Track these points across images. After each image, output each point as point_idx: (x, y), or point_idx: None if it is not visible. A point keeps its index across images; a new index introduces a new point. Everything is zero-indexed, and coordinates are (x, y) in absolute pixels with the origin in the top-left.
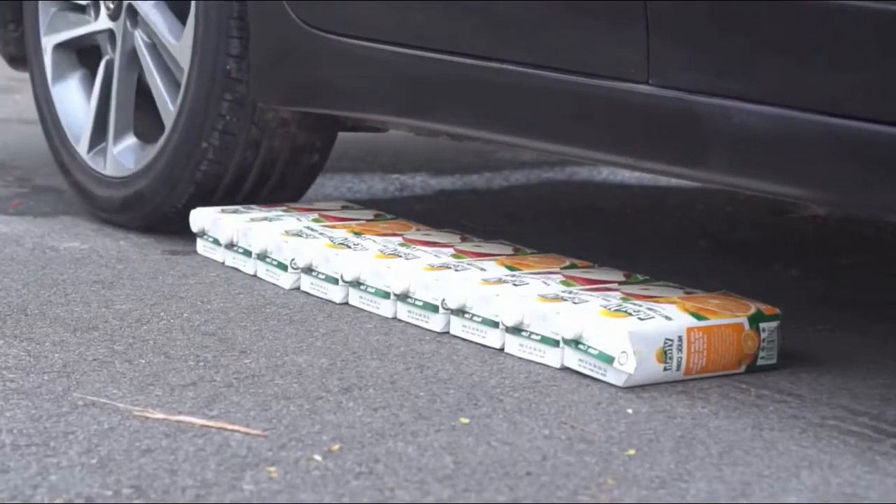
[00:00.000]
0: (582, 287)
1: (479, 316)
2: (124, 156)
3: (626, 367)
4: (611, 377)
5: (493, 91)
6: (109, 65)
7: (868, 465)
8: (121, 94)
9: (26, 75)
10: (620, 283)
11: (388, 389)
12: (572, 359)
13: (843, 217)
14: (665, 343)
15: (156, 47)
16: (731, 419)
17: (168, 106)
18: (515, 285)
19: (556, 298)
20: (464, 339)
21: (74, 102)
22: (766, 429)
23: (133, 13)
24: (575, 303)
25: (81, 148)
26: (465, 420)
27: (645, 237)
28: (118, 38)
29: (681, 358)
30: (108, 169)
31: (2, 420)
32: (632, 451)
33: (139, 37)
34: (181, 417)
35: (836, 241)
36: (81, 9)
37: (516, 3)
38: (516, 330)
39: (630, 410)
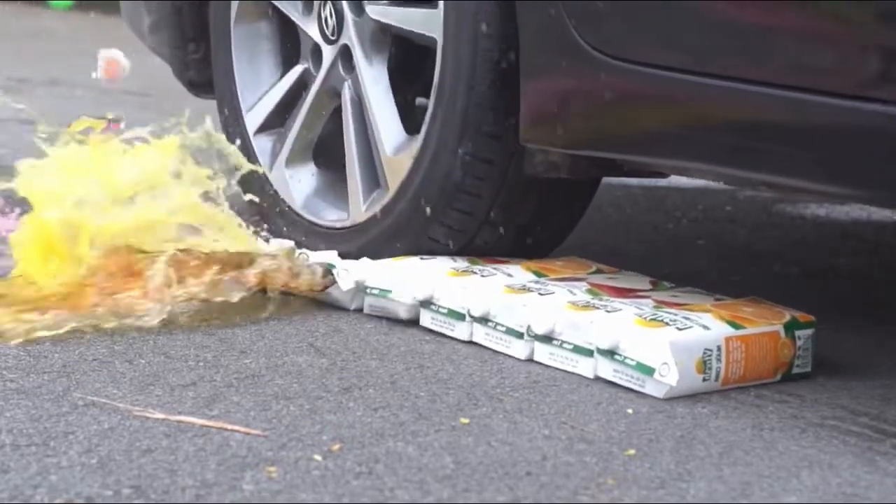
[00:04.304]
0: (610, 296)
1: (503, 325)
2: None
3: (667, 379)
4: (650, 388)
5: (866, 138)
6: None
7: (868, 465)
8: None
9: (26, 75)
10: (649, 290)
11: (388, 389)
12: (607, 369)
13: (842, 217)
14: (704, 353)
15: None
16: (731, 419)
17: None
18: (541, 294)
19: (589, 307)
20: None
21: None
22: (766, 429)
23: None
24: (608, 311)
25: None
26: (465, 420)
27: (645, 237)
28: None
29: (719, 368)
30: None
31: (2, 420)
32: (632, 451)
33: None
34: (181, 417)
35: (836, 241)
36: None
37: None
38: (547, 338)
39: (630, 410)
